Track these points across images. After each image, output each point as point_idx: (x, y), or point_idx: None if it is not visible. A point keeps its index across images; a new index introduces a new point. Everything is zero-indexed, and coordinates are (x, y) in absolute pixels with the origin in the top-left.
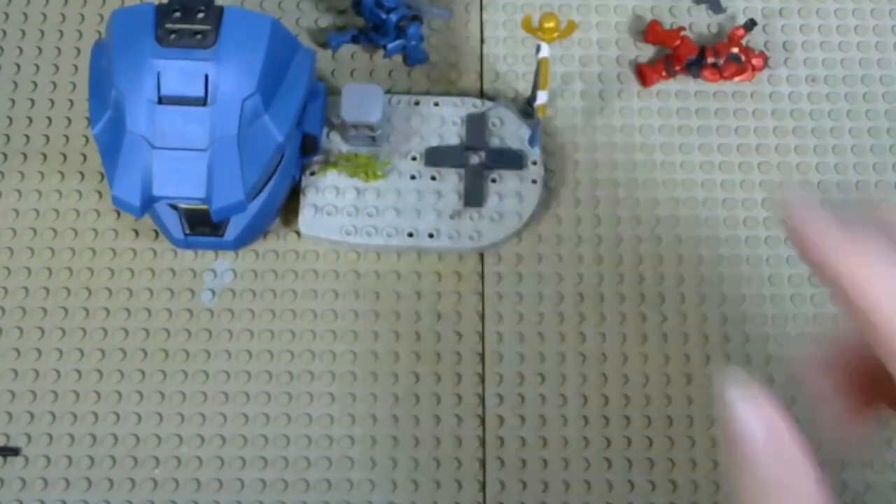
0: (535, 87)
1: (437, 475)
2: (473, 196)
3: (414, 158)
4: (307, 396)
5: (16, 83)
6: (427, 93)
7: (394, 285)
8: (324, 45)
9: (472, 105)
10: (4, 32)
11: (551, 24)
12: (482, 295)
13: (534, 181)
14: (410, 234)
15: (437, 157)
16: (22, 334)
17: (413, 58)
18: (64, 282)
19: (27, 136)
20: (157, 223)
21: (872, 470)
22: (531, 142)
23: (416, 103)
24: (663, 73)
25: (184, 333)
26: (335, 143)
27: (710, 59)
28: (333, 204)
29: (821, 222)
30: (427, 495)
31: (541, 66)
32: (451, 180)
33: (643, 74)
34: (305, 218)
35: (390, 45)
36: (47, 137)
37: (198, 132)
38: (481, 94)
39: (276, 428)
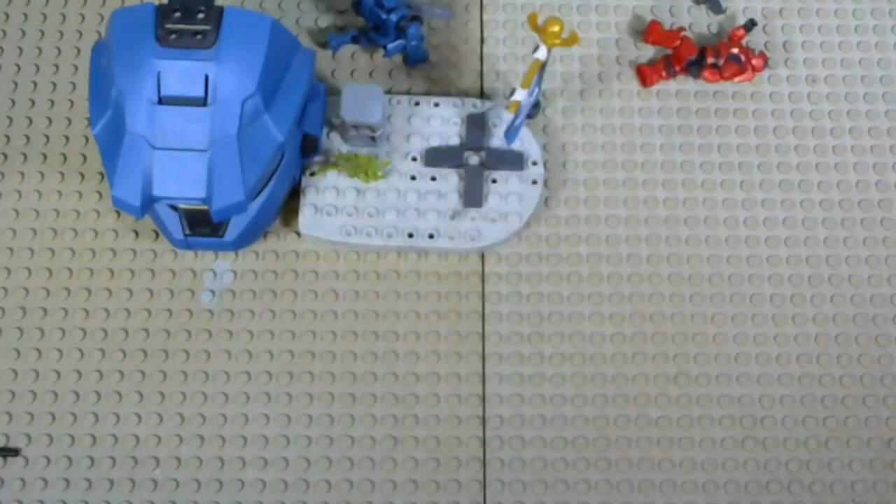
0: (537, 84)
1: (436, 475)
2: (473, 196)
3: (414, 159)
4: (307, 397)
5: (16, 83)
6: (427, 93)
7: (394, 285)
8: (324, 45)
9: (472, 105)
10: (4, 32)
11: (556, 28)
12: (482, 295)
13: (534, 181)
14: (410, 235)
15: (437, 157)
16: (22, 335)
17: (413, 58)
18: (64, 282)
19: (27, 137)
20: (157, 224)
21: (872, 469)
22: (507, 136)
23: (416, 103)
24: (663, 74)
25: (184, 334)
26: (335, 143)
27: (710, 60)
28: (333, 204)
29: None
30: (427, 495)
31: (532, 65)
32: (451, 180)
33: (643, 74)
34: (305, 218)
35: (390, 45)
36: (47, 137)
37: (198, 132)
38: (481, 94)
39: (276, 428)
